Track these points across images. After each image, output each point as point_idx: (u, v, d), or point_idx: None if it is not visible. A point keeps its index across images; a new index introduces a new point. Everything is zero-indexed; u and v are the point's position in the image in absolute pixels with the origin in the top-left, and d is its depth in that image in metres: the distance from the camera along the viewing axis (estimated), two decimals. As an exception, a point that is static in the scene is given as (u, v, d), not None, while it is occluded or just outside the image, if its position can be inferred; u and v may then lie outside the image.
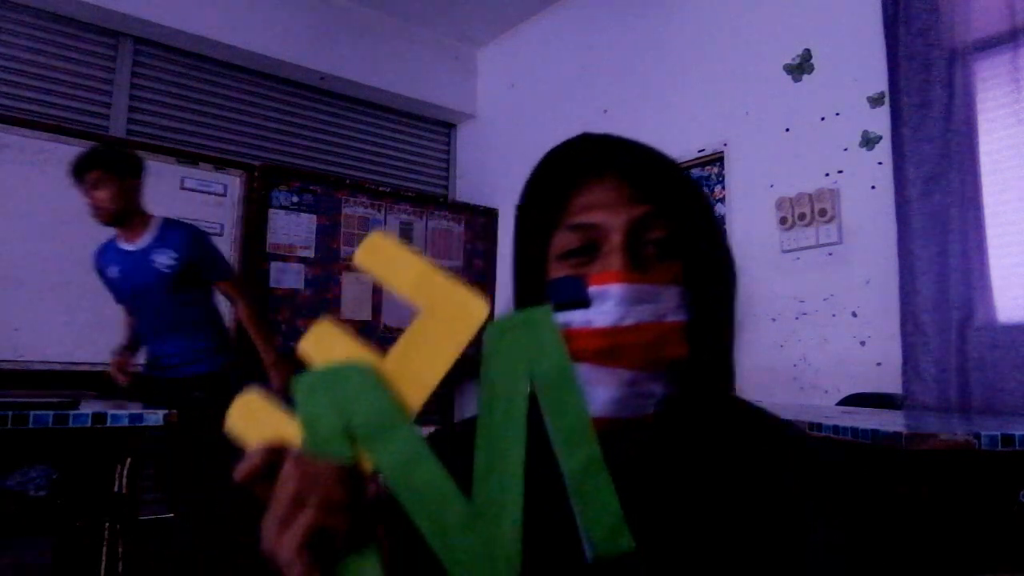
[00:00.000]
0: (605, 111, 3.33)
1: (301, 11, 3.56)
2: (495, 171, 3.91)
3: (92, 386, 2.62)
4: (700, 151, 2.89)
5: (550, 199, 0.59)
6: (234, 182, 3.14)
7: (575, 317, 0.55)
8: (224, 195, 3.11)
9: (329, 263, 3.37)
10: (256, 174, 3.18)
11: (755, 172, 2.68)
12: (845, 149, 2.41)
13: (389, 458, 0.39)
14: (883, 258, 2.25)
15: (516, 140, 3.81)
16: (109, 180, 2.09)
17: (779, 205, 2.55)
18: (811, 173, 2.49)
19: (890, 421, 1.49)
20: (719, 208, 2.82)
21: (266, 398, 0.42)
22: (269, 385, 2.22)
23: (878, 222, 2.28)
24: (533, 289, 0.59)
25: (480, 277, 3.84)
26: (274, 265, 3.20)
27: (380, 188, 3.58)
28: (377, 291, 3.45)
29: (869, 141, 2.34)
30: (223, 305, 2.44)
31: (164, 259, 2.15)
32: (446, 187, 4.25)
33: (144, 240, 2.18)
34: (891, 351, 2.19)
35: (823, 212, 2.42)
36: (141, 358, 2.31)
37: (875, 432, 1.29)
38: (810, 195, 2.46)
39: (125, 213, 2.14)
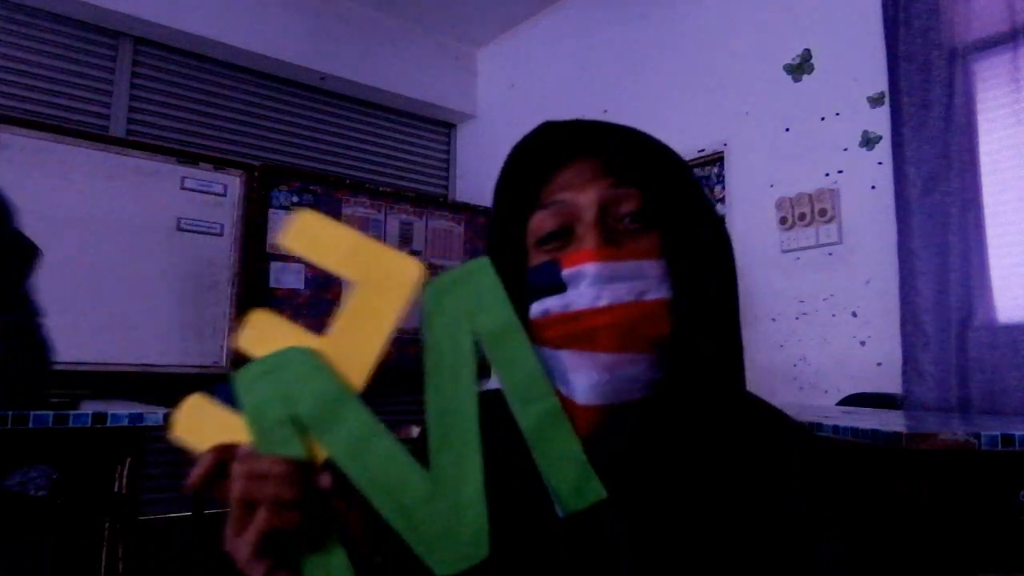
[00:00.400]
0: (605, 111, 3.33)
1: (301, 11, 3.55)
2: (495, 171, 3.88)
3: (92, 386, 2.62)
4: (700, 151, 2.89)
5: (521, 187, 0.58)
6: (234, 182, 3.14)
7: (553, 303, 0.52)
8: (224, 195, 3.11)
9: (329, 263, 3.36)
10: (256, 174, 3.18)
11: (755, 172, 2.68)
12: (845, 149, 2.41)
13: (340, 442, 0.38)
14: (883, 258, 2.25)
15: (516, 140, 3.79)
16: None
17: (779, 205, 2.55)
18: (811, 173, 2.49)
19: (890, 421, 1.49)
20: (719, 208, 2.82)
21: (211, 400, 0.40)
22: None
23: (878, 222, 2.28)
24: (512, 279, 0.56)
25: (480, 277, 3.83)
26: (274, 265, 3.20)
27: (380, 188, 3.58)
28: (377, 291, 3.45)
29: (869, 141, 2.34)
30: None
31: None
32: (446, 187, 4.25)
33: None
34: (891, 351, 2.19)
35: (823, 212, 2.42)
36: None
37: (875, 432, 1.29)
38: (810, 195, 2.46)
39: None
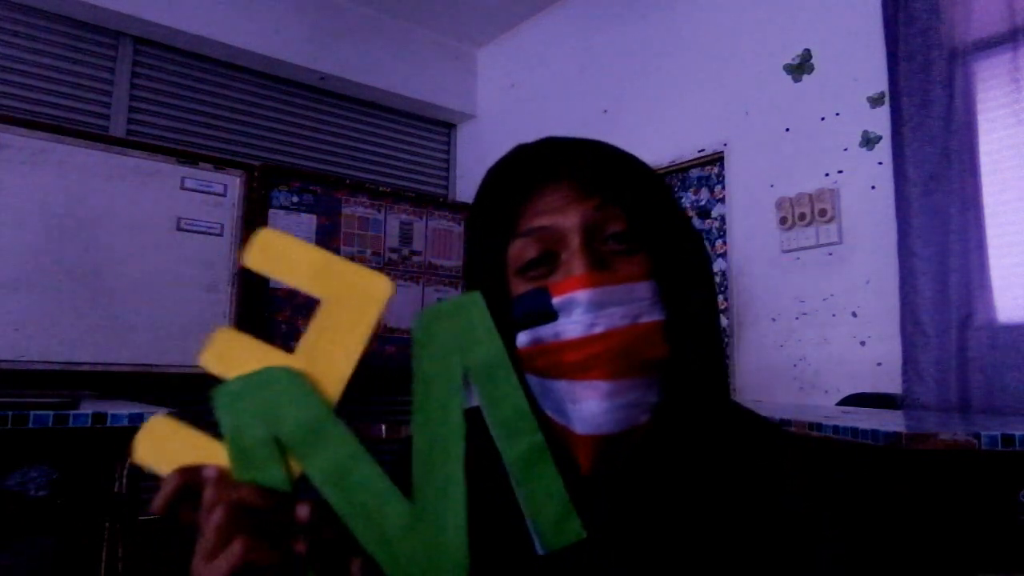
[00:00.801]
0: (605, 111, 3.33)
1: (301, 11, 3.55)
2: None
3: (92, 386, 2.62)
4: (700, 151, 2.89)
5: (498, 214, 0.56)
6: (234, 182, 3.14)
7: (544, 332, 0.51)
8: (224, 195, 3.11)
9: (329, 263, 3.36)
10: (256, 174, 3.18)
11: (755, 172, 2.68)
12: (845, 149, 2.41)
13: (322, 466, 0.37)
14: (883, 258, 2.25)
15: (516, 140, 3.74)
16: None
17: (779, 205, 2.55)
18: (811, 173, 2.49)
19: (890, 421, 1.49)
20: (719, 208, 2.82)
21: (176, 420, 0.39)
22: None
23: (878, 222, 2.28)
24: (493, 308, 0.56)
25: (480, 277, 3.83)
26: (274, 265, 3.19)
27: (380, 188, 3.58)
28: (377, 291, 3.44)
29: (869, 141, 2.34)
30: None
31: None
32: (446, 187, 4.25)
33: None
34: (891, 351, 2.19)
35: (823, 212, 2.42)
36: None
37: (875, 432, 1.29)
38: (810, 195, 2.46)
39: None
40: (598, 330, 0.50)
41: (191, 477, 0.37)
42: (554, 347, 0.51)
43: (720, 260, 2.76)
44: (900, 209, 2.16)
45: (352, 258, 3.67)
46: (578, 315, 0.50)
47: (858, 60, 2.39)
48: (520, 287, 0.55)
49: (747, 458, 0.55)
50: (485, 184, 0.58)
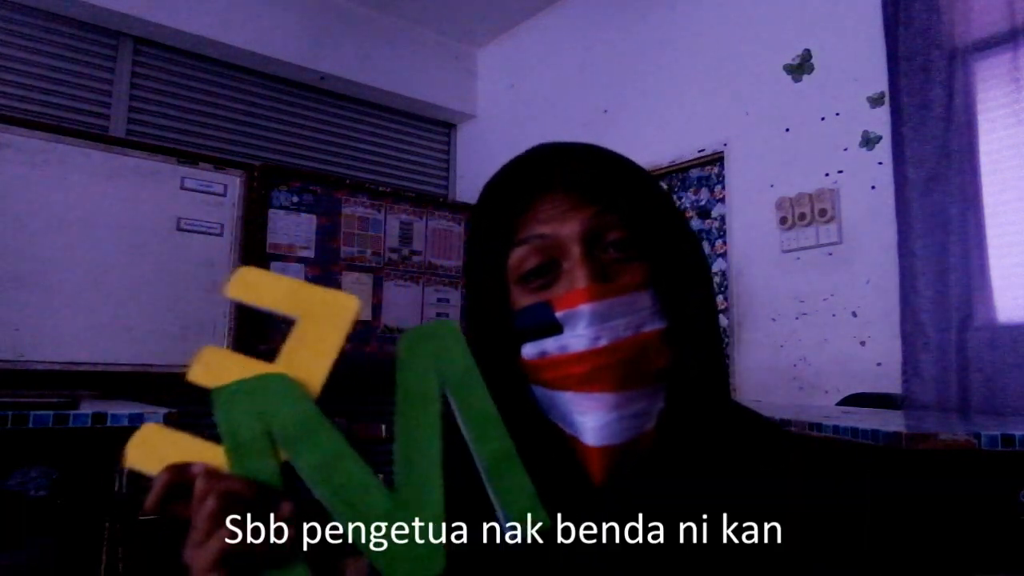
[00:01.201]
0: (605, 111, 3.33)
1: (301, 11, 3.55)
2: (495, 171, 3.89)
3: (92, 386, 2.62)
4: (700, 151, 2.89)
5: (498, 223, 0.56)
6: (234, 182, 3.14)
7: (550, 345, 0.52)
8: (224, 195, 3.11)
9: (329, 263, 3.37)
10: (256, 174, 3.18)
11: (755, 172, 2.68)
12: (845, 149, 2.41)
13: (311, 460, 0.41)
14: (883, 258, 2.25)
15: (516, 140, 3.79)
16: None
17: (779, 205, 2.55)
18: (811, 173, 2.49)
19: (890, 421, 1.49)
20: (719, 208, 2.82)
21: (167, 428, 0.43)
22: None
23: (878, 222, 2.28)
24: (495, 319, 0.56)
25: (480, 277, 3.83)
26: (274, 265, 3.19)
27: (380, 188, 3.58)
28: (378, 291, 3.45)
29: (869, 141, 2.34)
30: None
31: None
32: (446, 187, 4.25)
33: None
34: (891, 351, 2.19)
35: (823, 212, 2.42)
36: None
37: (875, 432, 1.29)
38: (810, 195, 2.46)
39: None
40: (603, 343, 0.50)
41: (180, 474, 0.40)
42: (560, 360, 0.51)
43: (720, 260, 2.76)
44: (900, 209, 2.16)
45: (352, 258, 3.65)
46: (582, 328, 0.51)
47: (858, 60, 2.39)
48: (521, 296, 0.55)
49: (750, 459, 0.56)
50: (485, 194, 0.59)
